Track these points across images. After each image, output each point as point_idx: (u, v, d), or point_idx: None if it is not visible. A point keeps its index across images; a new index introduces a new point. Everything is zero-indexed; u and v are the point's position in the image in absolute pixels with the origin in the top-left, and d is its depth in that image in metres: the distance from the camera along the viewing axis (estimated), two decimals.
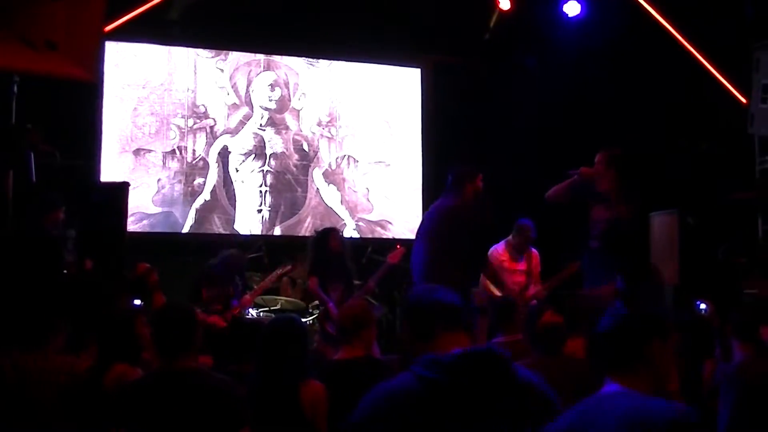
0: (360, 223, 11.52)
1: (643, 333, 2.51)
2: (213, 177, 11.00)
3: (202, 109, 11.07)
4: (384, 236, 11.50)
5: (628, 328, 2.52)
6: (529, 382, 2.38)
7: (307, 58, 11.62)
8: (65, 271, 6.47)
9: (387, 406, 2.30)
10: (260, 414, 3.82)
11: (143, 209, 10.57)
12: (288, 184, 11.33)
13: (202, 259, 8.41)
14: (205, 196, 10.94)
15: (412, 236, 11.52)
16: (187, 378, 3.64)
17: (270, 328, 4.24)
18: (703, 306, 6.44)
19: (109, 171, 10.32)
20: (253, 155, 11.21)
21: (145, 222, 10.60)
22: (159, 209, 10.70)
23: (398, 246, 8.29)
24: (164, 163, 10.80)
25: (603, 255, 7.06)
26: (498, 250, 8.02)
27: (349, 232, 11.37)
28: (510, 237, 8.07)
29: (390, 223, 11.65)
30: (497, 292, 7.81)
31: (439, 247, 6.82)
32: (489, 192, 7.27)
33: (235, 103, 11.24)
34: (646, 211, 8.87)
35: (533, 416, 2.29)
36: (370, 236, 11.43)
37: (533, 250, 8.11)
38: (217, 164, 11.03)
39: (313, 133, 11.52)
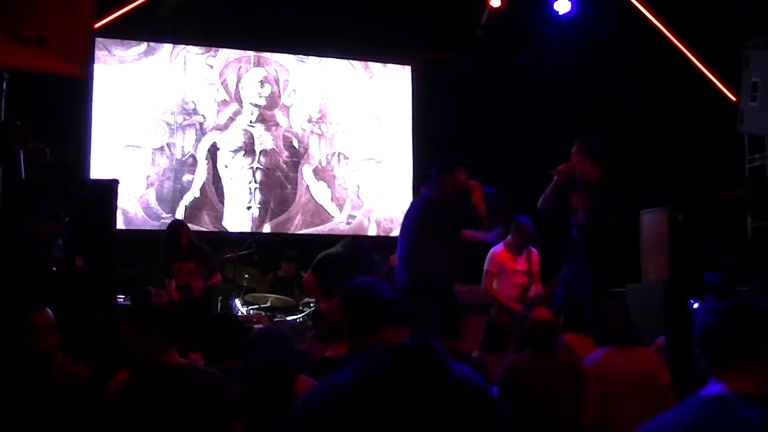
0: (350, 221, 11.50)
1: (759, 326, 2.32)
2: (202, 174, 10.97)
3: (191, 106, 11.03)
4: (374, 234, 11.48)
5: (742, 322, 2.33)
6: (466, 378, 2.35)
7: (297, 55, 11.59)
8: (54, 269, 6.44)
9: (323, 401, 2.27)
10: (256, 412, 3.83)
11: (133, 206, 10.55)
12: (278, 181, 11.31)
13: None
14: (194, 193, 10.90)
15: None
16: (178, 373, 3.70)
17: (252, 341, 4.24)
18: (696, 305, 6.45)
19: (99, 168, 10.28)
20: (243, 152, 11.19)
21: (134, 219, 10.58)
22: (149, 207, 10.66)
23: (392, 256, 8.18)
24: (153, 160, 10.77)
25: (582, 240, 7.09)
26: (497, 251, 7.96)
27: (339, 229, 11.37)
28: (509, 237, 8.01)
29: (380, 220, 11.64)
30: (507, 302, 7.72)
31: (415, 239, 6.71)
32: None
33: (224, 100, 11.21)
34: (636, 209, 8.89)
35: (468, 411, 2.28)
36: (360, 234, 11.41)
37: (533, 250, 8.04)
38: (206, 161, 11.00)
39: (303, 129, 11.50)
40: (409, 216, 6.95)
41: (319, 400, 2.28)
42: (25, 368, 3.52)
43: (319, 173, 11.51)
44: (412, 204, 7.24)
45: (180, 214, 10.65)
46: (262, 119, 11.34)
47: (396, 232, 11.30)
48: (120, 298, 7.68)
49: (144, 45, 10.89)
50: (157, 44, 10.95)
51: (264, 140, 11.30)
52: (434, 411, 2.19)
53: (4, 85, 5.84)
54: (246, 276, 9.40)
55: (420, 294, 6.18)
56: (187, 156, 10.94)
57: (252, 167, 11.20)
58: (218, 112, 11.16)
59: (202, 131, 11.05)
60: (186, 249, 8.40)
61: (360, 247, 8.30)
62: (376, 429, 2.18)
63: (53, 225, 6.38)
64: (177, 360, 3.81)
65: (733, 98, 9.38)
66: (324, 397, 2.27)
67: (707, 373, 2.35)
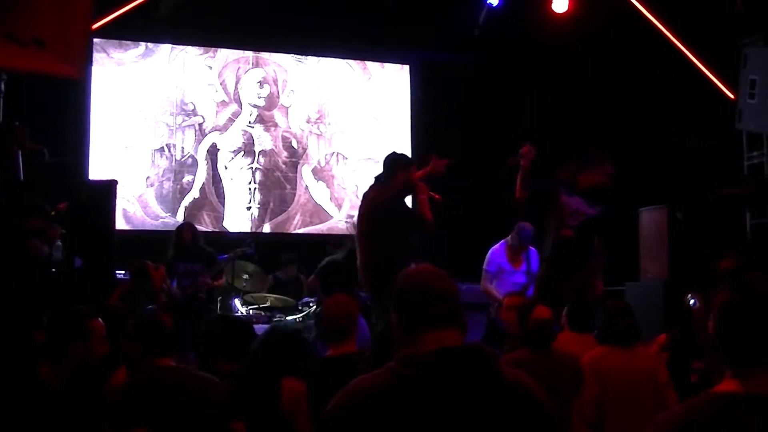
0: (348, 220, 11.50)
1: None
2: (202, 174, 10.98)
3: (190, 107, 11.04)
4: None
5: (763, 320, 2.23)
6: (519, 384, 2.20)
7: (295, 55, 11.59)
8: (54, 270, 6.44)
9: (361, 402, 2.12)
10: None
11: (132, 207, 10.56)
12: (277, 181, 11.32)
13: None
14: (194, 193, 10.91)
15: None
16: (170, 375, 3.78)
17: (269, 340, 4.23)
18: (692, 301, 6.46)
19: (98, 169, 10.28)
20: (242, 152, 11.19)
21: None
22: (148, 207, 10.67)
23: None
24: (153, 161, 10.77)
25: (577, 243, 7.01)
26: (496, 251, 7.98)
27: (338, 228, 11.38)
28: (509, 238, 8.03)
29: None
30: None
31: (370, 250, 6.46)
32: (477, 189, 7.23)
33: (223, 101, 11.21)
34: (635, 207, 8.90)
35: (520, 419, 2.13)
36: None
37: (533, 250, 8.05)
38: (206, 162, 11.00)
39: (302, 130, 11.50)
40: (361, 221, 6.72)
41: (353, 401, 2.15)
42: (82, 375, 3.62)
43: (318, 173, 11.52)
44: (363, 208, 6.84)
45: (180, 215, 10.66)
46: (261, 120, 11.34)
47: None
48: (120, 273, 7.69)
49: (142, 47, 10.89)
50: (156, 46, 10.95)
51: (263, 141, 11.31)
52: (482, 418, 2.08)
53: (3, 86, 5.87)
54: (245, 276, 9.40)
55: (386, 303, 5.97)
56: (186, 157, 10.94)
57: (251, 168, 11.21)
58: (217, 112, 11.17)
59: (201, 132, 11.05)
60: (190, 249, 8.40)
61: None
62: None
63: (39, 220, 6.38)
64: (169, 363, 3.86)
65: (732, 96, 9.38)
66: (359, 398, 2.15)
67: (723, 369, 2.27)
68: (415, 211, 6.64)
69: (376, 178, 6.81)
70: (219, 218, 10.98)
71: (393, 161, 6.76)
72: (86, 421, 3.54)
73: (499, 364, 2.17)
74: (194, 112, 11.05)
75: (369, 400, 2.13)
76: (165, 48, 11.00)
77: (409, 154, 11.71)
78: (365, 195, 6.83)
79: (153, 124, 10.82)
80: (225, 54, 11.33)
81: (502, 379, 2.15)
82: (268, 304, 9.18)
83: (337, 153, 11.61)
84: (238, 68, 11.35)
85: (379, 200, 6.56)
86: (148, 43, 10.92)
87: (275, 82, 11.46)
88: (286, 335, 4.26)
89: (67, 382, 3.57)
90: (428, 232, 6.63)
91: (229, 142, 11.15)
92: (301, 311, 8.99)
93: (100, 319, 3.74)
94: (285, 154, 11.39)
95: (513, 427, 2.12)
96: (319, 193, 11.48)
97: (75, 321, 3.67)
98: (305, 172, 11.45)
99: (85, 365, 3.64)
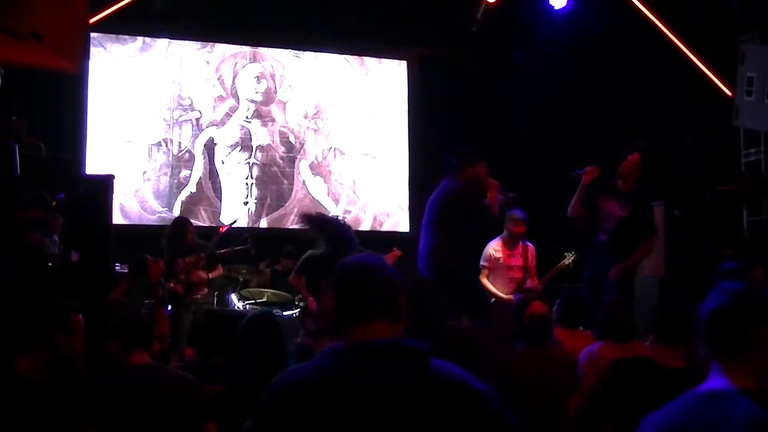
0: (346, 216, 11.49)
1: (751, 316, 2.22)
2: (199, 169, 10.97)
3: (188, 101, 11.02)
4: (370, 229, 11.49)
5: (734, 310, 2.23)
6: (445, 374, 2.17)
7: (293, 50, 11.58)
8: (50, 264, 6.43)
9: (286, 393, 2.16)
10: (230, 411, 3.83)
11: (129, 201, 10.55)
12: (274, 177, 11.31)
13: None
14: (191, 188, 10.90)
15: (398, 229, 11.60)
16: (140, 373, 3.74)
17: (244, 327, 4.22)
18: None
19: (95, 163, 10.27)
20: (240, 147, 11.18)
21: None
22: (145, 202, 10.66)
23: (394, 249, 8.08)
24: (150, 156, 10.76)
25: (610, 248, 7.01)
26: (493, 245, 7.97)
27: None
28: (504, 232, 8.02)
29: (376, 215, 11.65)
30: (502, 295, 7.75)
31: (439, 235, 6.62)
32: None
33: (221, 95, 11.20)
34: None
35: (447, 409, 2.11)
36: (355, 229, 11.39)
37: (529, 244, 8.02)
38: (203, 156, 10.99)
39: (300, 125, 11.49)
40: (432, 209, 6.89)
41: (279, 392, 2.19)
42: (61, 367, 3.62)
43: (316, 168, 11.51)
44: (435, 196, 6.98)
45: (177, 210, 10.65)
46: (258, 115, 11.33)
47: (389, 226, 11.39)
48: (117, 266, 7.66)
49: (139, 42, 10.88)
50: (153, 40, 10.94)
51: (260, 136, 11.30)
52: (400, 411, 2.08)
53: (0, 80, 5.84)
54: (242, 271, 9.40)
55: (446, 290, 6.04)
56: (183, 151, 10.93)
57: (248, 163, 11.20)
58: (215, 107, 11.15)
59: (198, 127, 11.04)
60: (190, 245, 8.33)
61: (345, 244, 8.12)
62: (333, 425, 2.08)
63: (38, 211, 6.34)
64: (143, 361, 3.83)
65: (729, 93, 9.38)
66: (284, 390, 2.18)
67: (707, 363, 2.28)
68: (486, 204, 6.75)
69: (444, 173, 6.94)
70: (216, 213, 10.97)
71: (463, 157, 6.84)
72: (63, 412, 3.52)
73: (425, 357, 2.16)
74: (191, 107, 11.04)
75: (293, 393, 2.15)
76: (162, 43, 10.99)
77: (406, 149, 11.80)
78: (438, 186, 6.93)
79: (150, 119, 10.80)
80: (222, 49, 11.31)
81: (427, 372, 2.14)
82: (264, 299, 9.19)
83: (335, 148, 11.61)
84: (236, 63, 11.34)
85: (452, 189, 6.69)
86: (146, 38, 10.91)
87: (273, 77, 11.45)
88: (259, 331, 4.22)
89: (44, 374, 3.57)
90: (492, 223, 6.96)
91: (226, 137, 11.14)
92: (297, 306, 8.98)
93: (80, 315, 3.74)
94: (282, 149, 11.38)
95: (440, 418, 2.11)
96: (317, 188, 11.48)
97: (58, 312, 3.67)
98: (302, 167, 11.44)
99: (65, 358, 3.64)
